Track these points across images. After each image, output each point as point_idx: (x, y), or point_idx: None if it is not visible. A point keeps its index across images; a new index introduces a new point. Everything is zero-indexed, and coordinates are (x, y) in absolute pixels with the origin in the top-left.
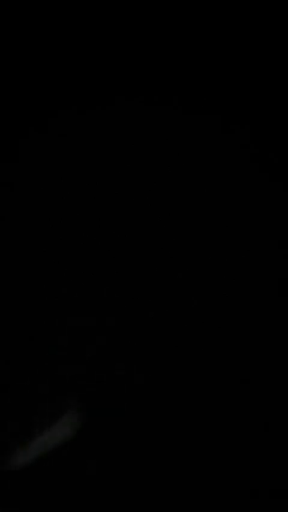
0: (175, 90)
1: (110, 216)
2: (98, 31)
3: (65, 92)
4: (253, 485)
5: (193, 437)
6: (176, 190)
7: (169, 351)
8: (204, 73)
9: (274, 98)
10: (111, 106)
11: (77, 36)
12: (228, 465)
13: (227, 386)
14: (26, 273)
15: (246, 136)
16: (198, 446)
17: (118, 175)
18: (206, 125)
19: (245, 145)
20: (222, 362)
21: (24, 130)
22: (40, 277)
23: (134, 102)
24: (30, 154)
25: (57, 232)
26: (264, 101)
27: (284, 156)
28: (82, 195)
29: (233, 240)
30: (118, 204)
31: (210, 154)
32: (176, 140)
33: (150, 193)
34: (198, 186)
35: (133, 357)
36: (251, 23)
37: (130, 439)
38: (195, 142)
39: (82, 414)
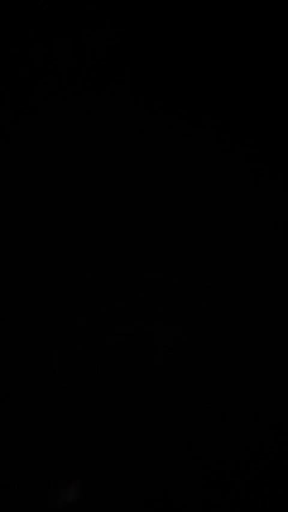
0: (175, 92)
1: (109, 216)
2: (99, 32)
3: (65, 95)
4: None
5: (192, 437)
6: (175, 190)
7: (169, 351)
8: (204, 76)
9: (274, 99)
10: (111, 108)
11: (78, 37)
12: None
13: (226, 386)
14: (24, 272)
15: (246, 136)
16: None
17: (117, 176)
18: (206, 125)
19: (244, 145)
20: (222, 362)
21: (23, 131)
22: (38, 277)
23: (133, 105)
24: (29, 155)
25: (57, 232)
26: (264, 102)
27: (284, 155)
28: (81, 197)
29: (233, 241)
30: (118, 204)
31: (210, 154)
32: (175, 142)
33: (149, 193)
34: (198, 184)
35: (132, 358)
36: (251, 25)
37: (128, 439)
38: (194, 143)
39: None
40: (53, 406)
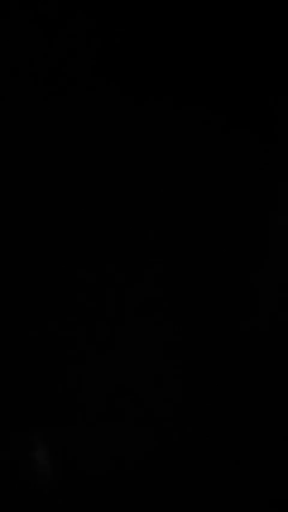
0: (173, 86)
1: (107, 217)
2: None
3: (65, 92)
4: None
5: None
6: (174, 189)
7: (168, 352)
8: (203, 70)
9: (273, 94)
10: (111, 103)
11: (76, 32)
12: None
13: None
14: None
15: (245, 133)
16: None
17: (115, 174)
18: (205, 121)
19: (244, 142)
20: (222, 362)
21: (22, 127)
22: (34, 278)
23: (131, 98)
24: (28, 153)
25: (54, 232)
26: (264, 97)
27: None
28: (80, 195)
29: (234, 241)
30: (116, 203)
31: (210, 156)
32: (173, 135)
33: (148, 191)
34: (197, 184)
35: (132, 356)
36: (250, 22)
37: (128, 440)
38: (193, 137)
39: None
40: (52, 405)
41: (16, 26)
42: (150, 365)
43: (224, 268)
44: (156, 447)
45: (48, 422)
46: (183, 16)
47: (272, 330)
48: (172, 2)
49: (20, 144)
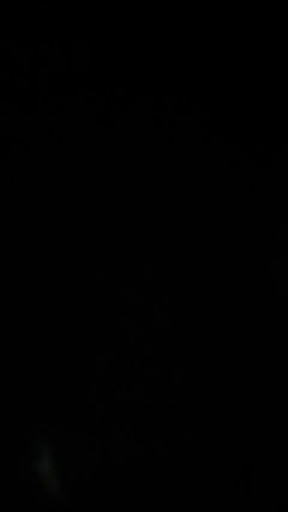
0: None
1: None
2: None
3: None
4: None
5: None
6: (173, 191)
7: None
8: (202, 77)
9: (273, 100)
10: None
11: (75, 38)
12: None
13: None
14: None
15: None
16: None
17: (115, 180)
18: (202, 126)
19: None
20: (220, 360)
21: (23, 131)
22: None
23: (132, 105)
24: (28, 154)
25: (54, 236)
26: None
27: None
28: (80, 198)
29: (234, 242)
30: (117, 204)
31: (208, 156)
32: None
33: (147, 195)
34: (195, 186)
35: (131, 354)
36: (250, 28)
37: (127, 440)
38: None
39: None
40: (52, 407)
41: (14, 30)
42: (150, 365)
43: (225, 270)
44: (156, 448)
45: (47, 424)
46: (184, 22)
47: (272, 330)
48: (173, 8)
49: (20, 145)
